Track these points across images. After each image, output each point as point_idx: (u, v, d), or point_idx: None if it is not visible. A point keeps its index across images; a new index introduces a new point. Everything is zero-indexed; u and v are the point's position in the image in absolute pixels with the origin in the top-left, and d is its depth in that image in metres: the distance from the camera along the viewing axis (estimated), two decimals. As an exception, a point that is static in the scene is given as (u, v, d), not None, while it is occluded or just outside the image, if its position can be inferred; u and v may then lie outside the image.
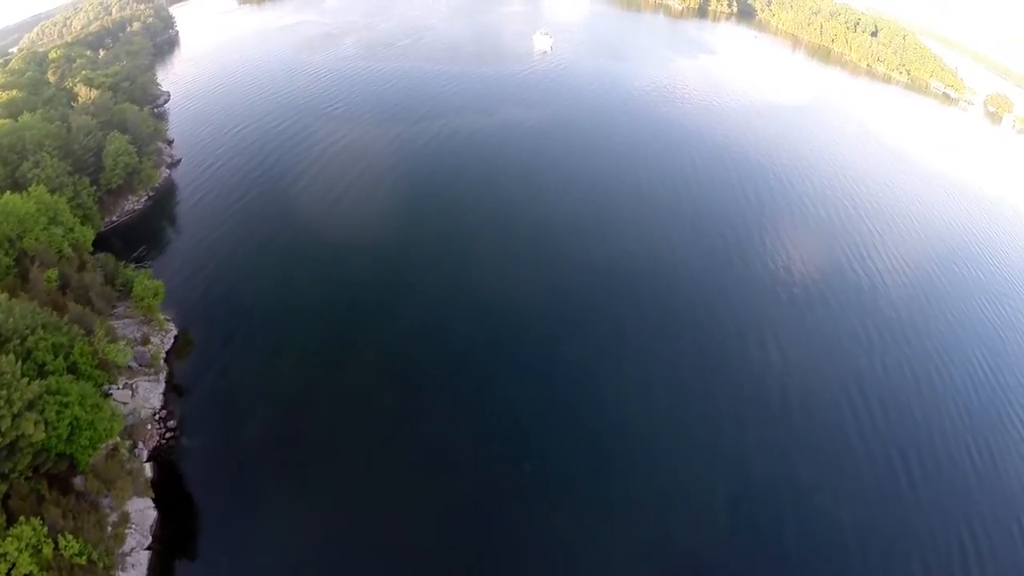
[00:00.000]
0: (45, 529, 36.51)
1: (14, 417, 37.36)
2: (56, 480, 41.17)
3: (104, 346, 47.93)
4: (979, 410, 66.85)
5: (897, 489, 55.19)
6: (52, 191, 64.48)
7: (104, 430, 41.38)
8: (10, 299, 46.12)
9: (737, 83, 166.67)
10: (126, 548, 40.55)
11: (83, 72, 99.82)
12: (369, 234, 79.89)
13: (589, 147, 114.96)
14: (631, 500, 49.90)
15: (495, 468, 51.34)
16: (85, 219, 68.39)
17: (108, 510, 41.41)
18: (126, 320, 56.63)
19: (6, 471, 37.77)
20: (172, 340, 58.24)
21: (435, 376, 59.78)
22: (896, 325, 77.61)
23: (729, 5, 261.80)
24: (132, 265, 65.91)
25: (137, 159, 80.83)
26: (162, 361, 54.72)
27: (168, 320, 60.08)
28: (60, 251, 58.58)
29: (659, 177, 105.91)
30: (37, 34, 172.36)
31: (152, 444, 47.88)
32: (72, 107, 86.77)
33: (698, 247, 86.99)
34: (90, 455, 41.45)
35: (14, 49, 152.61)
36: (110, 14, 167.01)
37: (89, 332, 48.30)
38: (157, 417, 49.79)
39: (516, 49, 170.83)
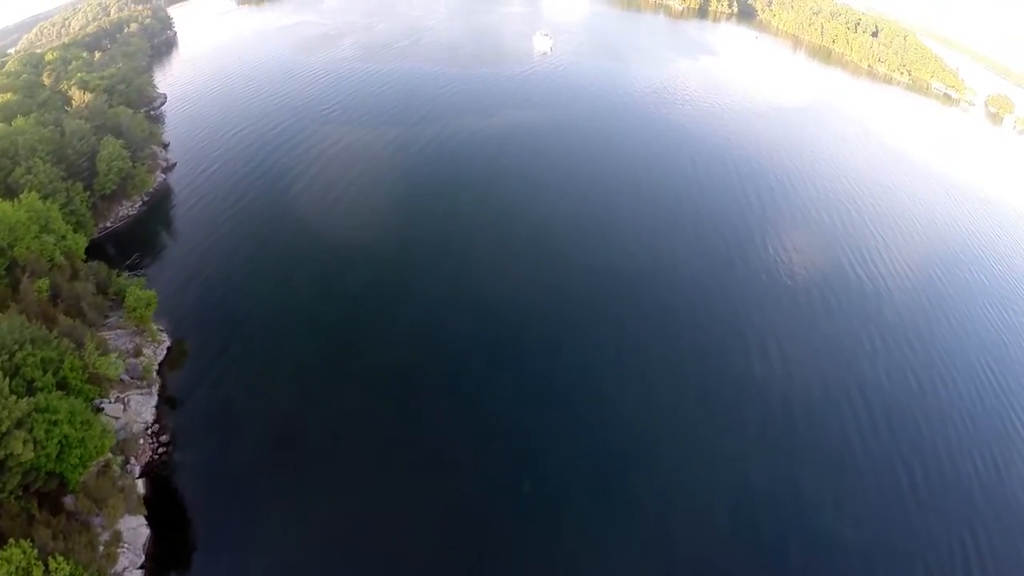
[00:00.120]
0: (35, 551, 35.54)
1: (2, 436, 36.49)
2: (46, 499, 40.26)
3: (95, 359, 47.00)
4: (983, 416, 66.22)
5: (899, 492, 54.76)
6: (45, 197, 63.59)
7: (95, 448, 40.45)
8: (-1, 312, 45.31)
9: (738, 84, 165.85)
10: (118, 568, 39.58)
11: (78, 75, 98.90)
12: (368, 236, 79.29)
13: (589, 148, 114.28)
14: (631, 501, 49.78)
15: (495, 469, 51.03)
16: (78, 226, 67.45)
17: (100, 529, 40.50)
18: (118, 331, 55.65)
19: (-5, 491, 36.94)
20: (165, 351, 57.20)
21: (435, 377, 59.39)
22: (898, 329, 76.99)
23: (729, 5, 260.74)
24: (126, 273, 64.91)
25: (131, 164, 79.85)
26: (155, 373, 53.66)
27: (161, 331, 59.06)
28: (52, 260, 57.62)
29: (659, 178, 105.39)
30: (36, 35, 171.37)
31: (144, 460, 46.93)
32: (67, 111, 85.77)
33: (699, 248, 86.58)
34: (80, 473, 40.54)
35: (12, 50, 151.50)
36: (108, 15, 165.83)
37: (80, 345, 47.36)
38: (150, 431, 48.82)
39: (516, 50, 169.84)
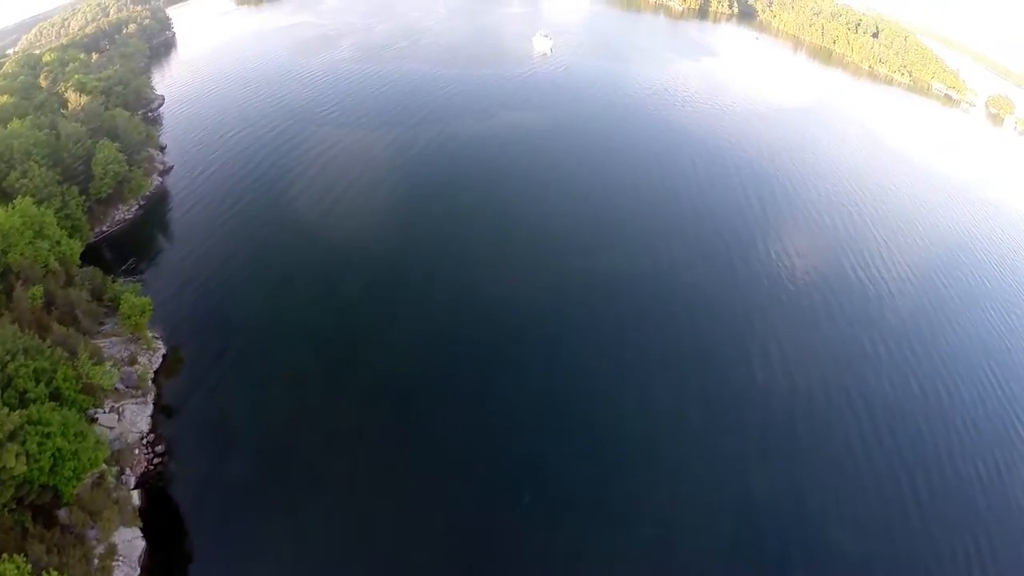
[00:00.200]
0: (29, 566, 34.94)
1: (-6, 449, 35.94)
2: (40, 512, 39.63)
3: (89, 369, 46.33)
4: (985, 420, 65.69)
5: (901, 497, 54.36)
6: (40, 202, 62.83)
7: (88, 460, 39.88)
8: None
9: (738, 85, 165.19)
10: (113, 581, 39.16)
11: (75, 76, 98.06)
12: (366, 238, 78.84)
13: (589, 149, 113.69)
14: (632, 504, 49.55)
15: (495, 473, 50.69)
16: (73, 231, 66.82)
17: (94, 542, 39.90)
18: (113, 339, 55.02)
19: (-12, 504, 36.40)
20: (161, 359, 56.42)
21: (434, 380, 59.01)
22: (900, 332, 76.53)
23: (730, 6, 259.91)
24: (121, 278, 64.29)
25: (127, 167, 79.07)
26: (150, 382, 52.94)
27: (156, 338, 58.34)
28: (46, 266, 56.86)
29: (660, 179, 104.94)
30: (35, 35, 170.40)
31: (140, 470, 46.28)
32: (63, 114, 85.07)
33: (699, 250, 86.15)
34: (75, 486, 39.94)
35: (12, 51, 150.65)
36: (107, 16, 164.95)
37: (73, 354, 46.72)
38: (145, 441, 48.15)
39: (515, 51, 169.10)
